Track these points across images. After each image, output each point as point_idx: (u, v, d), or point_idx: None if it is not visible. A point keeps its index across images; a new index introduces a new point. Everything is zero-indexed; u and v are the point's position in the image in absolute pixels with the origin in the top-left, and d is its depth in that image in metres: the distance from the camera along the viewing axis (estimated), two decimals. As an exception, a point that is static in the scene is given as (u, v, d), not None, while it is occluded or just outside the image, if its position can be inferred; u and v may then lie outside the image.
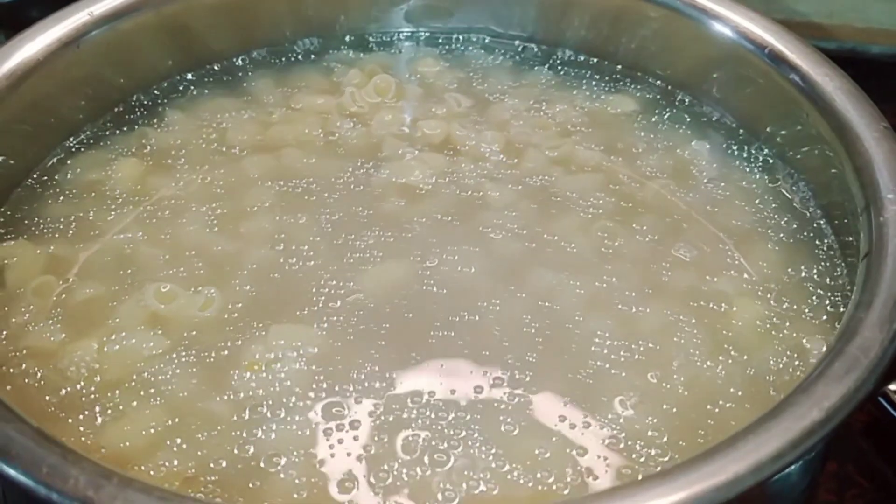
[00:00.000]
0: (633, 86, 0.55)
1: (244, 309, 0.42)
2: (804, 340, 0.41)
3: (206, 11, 0.52)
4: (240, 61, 0.55)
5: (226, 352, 0.40)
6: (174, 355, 0.40)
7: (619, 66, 0.56)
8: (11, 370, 0.39)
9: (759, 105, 0.49)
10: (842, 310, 0.42)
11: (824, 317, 0.42)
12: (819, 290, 0.43)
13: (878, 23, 0.73)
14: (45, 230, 0.45)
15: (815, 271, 0.44)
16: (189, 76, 0.54)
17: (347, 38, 0.57)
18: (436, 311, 0.42)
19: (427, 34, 0.58)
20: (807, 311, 0.42)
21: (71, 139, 0.49)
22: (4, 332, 0.41)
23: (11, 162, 0.46)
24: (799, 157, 0.47)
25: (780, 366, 0.40)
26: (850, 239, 0.42)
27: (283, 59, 0.56)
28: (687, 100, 0.53)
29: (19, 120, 0.45)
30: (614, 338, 0.41)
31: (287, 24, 0.55)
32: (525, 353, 0.40)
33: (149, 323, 0.41)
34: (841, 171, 0.43)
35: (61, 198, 0.47)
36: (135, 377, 0.39)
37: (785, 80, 0.46)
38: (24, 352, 0.40)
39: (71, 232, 0.45)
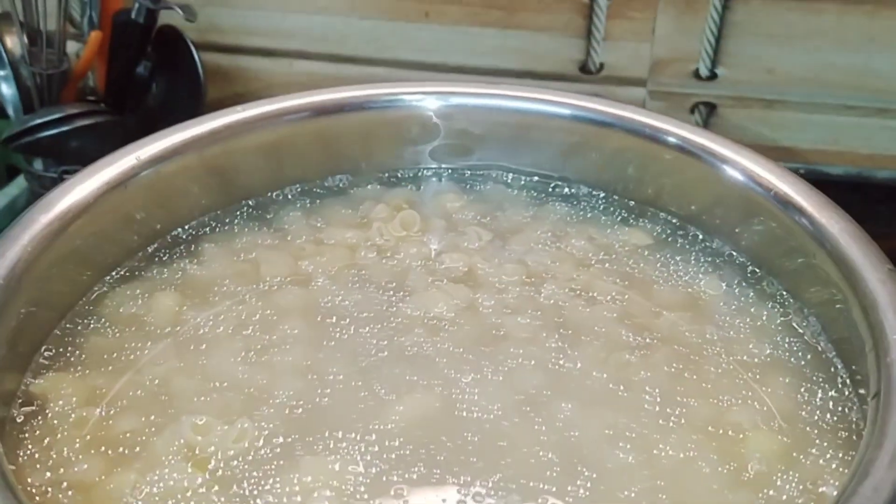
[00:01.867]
0: (646, 220, 0.57)
1: (275, 442, 0.43)
2: (819, 475, 0.42)
3: (244, 153, 0.56)
4: (273, 196, 0.58)
5: (258, 486, 0.41)
6: (210, 488, 0.41)
7: (632, 203, 0.58)
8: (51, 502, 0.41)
9: (768, 243, 0.52)
10: (855, 440, 0.43)
11: (839, 452, 0.43)
12: (833, 424, 0.44)
13: (884, 149, 0.76)
14: (86, 363, 0.47)
15: (828, 405, 0.45)
16: (224, 211, 0.57)
17: (375, 175, 0.60)
18: (460, 445, 0.43)
19: (449, 170, 0.61)
20: (822, 444, 0.43)
21: (112, 274, 0.52)
22: (47, 464, 0.42)
23: (56, 298, 0.48)
24: (808, 293, 0.49)
25: (799, 500, 0.41)
26: (860, 375, 0.44)
27: (314, 194, 0.59)
28: (699, 235, 0.56)
29: (66, 258, 0.47)
30: (635, 470, 0.42)
31: (318, 164, 0.59)
32: (548, 486, 0.41)
33: (184, 455, 0.43)
34: (848, 311, 0.44)
35: (102, 331, 0.49)
36: (172, 511, 0.40)
37: (792, 221, 0.48)
38: (65, 484, 0.41)
39: (110, 364, 0.47)
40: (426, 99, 0.58)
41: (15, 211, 0.75)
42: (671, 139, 0.54)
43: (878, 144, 0.76)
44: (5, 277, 0.43)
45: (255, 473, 0.42)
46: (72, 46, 0.73)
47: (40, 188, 0.73)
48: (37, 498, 0.40)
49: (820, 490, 0.41)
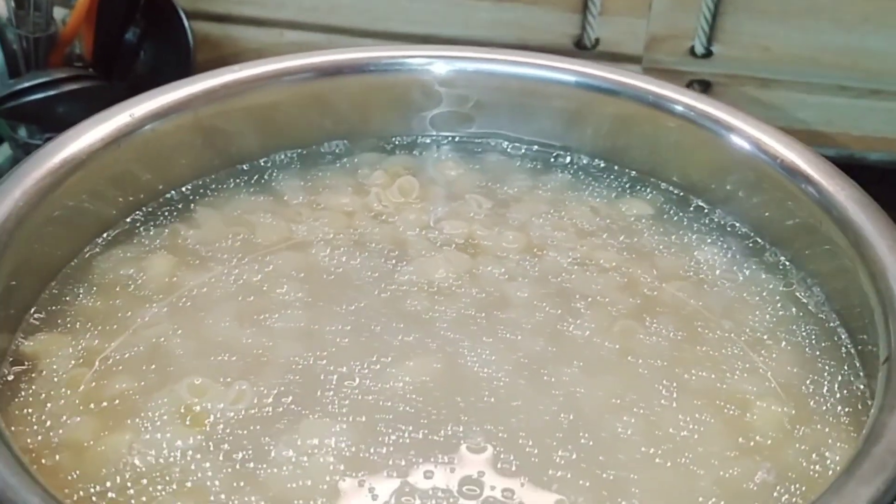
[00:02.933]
0: (647, 190, 0.57)
1: (274, 403, 0.42)
2: (825, 442, 0.42)
3: (240, 114, 0.54)
4: (268, 162, 0.57)
5: (258, 447, 0.41)
6: (206, 450, 0.40)
7: (634, 172, 0.58)
8: (45, 461, 0.39)
9: (772, 212, 0.51)
10: (860, 409, 0.43)
11: (845, 419, 0.43)
12: (837, 393, 0.44)
13: (875, 131, 0.76)
14: (79, 323, 0.46)
15: (833, 373, 0.45)
16: (219, 175, 0.56)
17: (373, 142, 0.59)
18: (460, 409, 0.43)
19: (449, 138, 0.60)
20: (826, 413, 0.43)
21: (104, 235, 0.51)
22: (42, 424, 0.41)
23: (47, 258, 0.47)
24: (812, 262, 0.49)
25: (804, 468, 0.41)
26: (868, 343, 0.44)
27: (310, 160, 0.58)
28: (701, 205, 0.55)
29: (58, 216, 0.46)
30: (637, 437, 0.42)
31: (315, 128, 0.58)
32: (548, 452, 0.41)
33: (181, 417, 0.42)
34: (856, 278, 0.44)
35: (94, 291, 0.48)
36: (167, 472, 0.39)
37: (798, 189, 0.48)
38: (58, 444, 0.40)
39: (104, 325, 0.46)
40: (429, 63, 0.57)
41: (-2, 179, 0.73)
42: (676, 107, 0.53)
43: (871, 126, 0.76)
44: (-4, 232, 0.42)
45: (253, 435, 0.41)
46: (58, 13, 0.71)
47: (24, 155, 0.72)
48: (32, 456, 0.39)
49: (825, 455, 0.41)
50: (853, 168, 0.77)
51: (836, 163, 0.78)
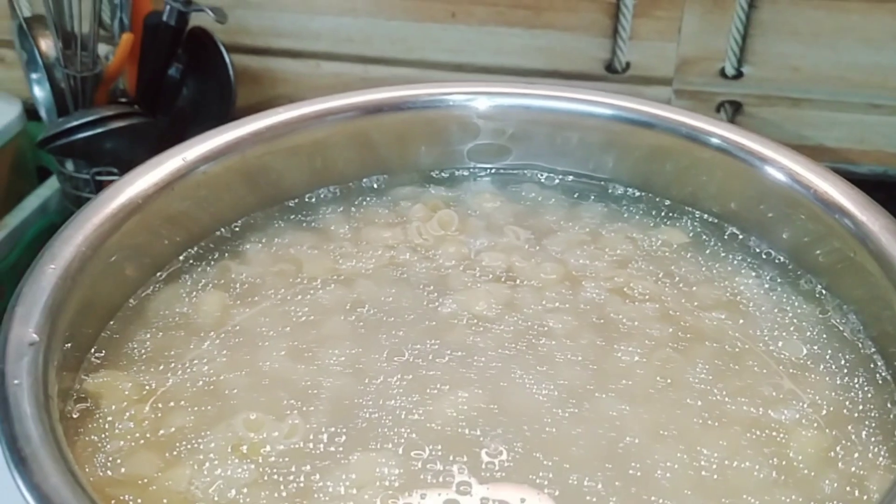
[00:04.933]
0: (682, 219, 0.58)
1: (326, 437, 0.44)
2: (865, 470, 0.42)
3: (285, 154, 0.56)
4: (313, 197, 0.59)
5: (311, 481, 0.42)
6: (262, 484, 0.42)
7: (668, 201, 0.59)
8: (112, 500, 0.41)
9: (806, 241, 0.52)
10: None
11: (884, 448, 0.43)
12: (876, 420, 0.45)
13: (909, 148, 0.77)
14: (137, 361, 0.48)
15: (870, 402, 0.46)
16: (266, 212, 0.58)
17: (412, 175, 0.61)
18: (504, 438, 0.44)
19: (486, 170, 0.62)
20: (865, 442, 0.44)
21: (158, 274, 0.53)
22: (105, 460, 0.43)
23: (106, 297, 0.49)
24: (848, 290, 0.50)
25: (845, 497, 0.41)
26: (903, 370, 0.45)
27: (353, 195, 0.60)
28: (736, 233, 0.56)
29: (117, 258, 0.48)
30: (678, 467, 0.43)
31: (357, 164, 0.59)
32: (590, 481, 0.42)
33: (237, 451, 0.43)
34: (890, 306, 0.45)
35: (150, 329, 0.50)
36: (226, 505, 0.41)
37: (833, 219, 0.49)
38: (121, 479, 0.42)
39: (160, 362, 0.48)
40: (467, 99, 0.59)
41: (47, 212, 0.76)
42: (711, 139, 0.54)
43: (903, 143, 0.77)
44: (61, 277, 0.44)
45: (306, 469, 0.43)
46: (102, 49, 0.74)
47: (72, 189, 0.74)
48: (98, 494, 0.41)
49: (866, 485, 0.42)
50: (888, 185, 0.78)
51: (870, 180, 0.79)
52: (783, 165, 0.52)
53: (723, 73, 0.75)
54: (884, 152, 0.77)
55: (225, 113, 0.73)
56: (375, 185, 0.61)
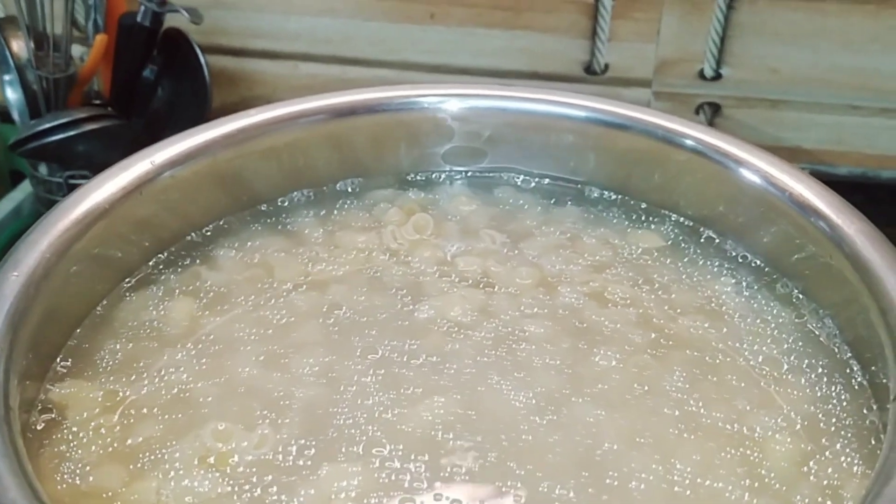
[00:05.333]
0: (658, 222, 0.58)
1: (296, 447, 0.43)
2: (840, 479, 0.42)
3: (257, 157, 0.55)
4: (286, 201, 0.58)
5: (281, 491, 0.41)
6: (231, 496, 0.41)
7: (645, 204, 0.59)
8: (75, 511, 0.41)
9: (782, 245, 0.52)
10: (873, 444, 0.43)
11: (859, 455, 0.43)
12: (852, 427, 0.44)
13: (888, 149, 0.77)
14: (104, 370, 0.47)
15: (846, 407, 0.45)
16: (238, 216, 0.57)
17: (387, 178, 0.60)
18: (479, 445, 0.43)
19: (462, 173, 0.61)
20: (840, 449, 0.43)
21: (126, 280, 0.52)
22: (71, 472, 0.42)
23: (72, 304, 0.48)
24: (824, 294, 0.50)
25: None
26: (879, 375, 0.44)
27: (327, 198, 0.59)
28: (713, 236, 0.56)
29: (83, 264, 0.47)
30: (652, 478, 0.42)
31: (331, 167, 0.59)
32: (564, 488, 0.41)
33: (204, 462, 0.43)
34: (865, 312, 0.45)
35: (118, 337, 0.49)
36: (194, 519, 0.40)
37: (808, 223, 0.49)
38: (87, 491, 0.41)
39: (128, 371, 0.47)
40: (441, 101, 0.58)
41: (20, 216, 0.75)
42: (686, 141, 0.54)
43: (883, 144, 0.77)
44: (25, 284, 0.43)
45: (276, 480, 0.42)
46: (76, 50, 0.73)
47: (45, 193, 0.73)
48: (62, 505, 0.40)
49: (841, 493, 0.42)
50: (866, 186, 0.78)
51: (849, 181, 0.79)
52: (758, 168, 0.51)
53: (702, 75, 0.75)
54: (862, 154, 0.77)
55: (200, 115, 0.72)
56: (350, 189, 0.60)
